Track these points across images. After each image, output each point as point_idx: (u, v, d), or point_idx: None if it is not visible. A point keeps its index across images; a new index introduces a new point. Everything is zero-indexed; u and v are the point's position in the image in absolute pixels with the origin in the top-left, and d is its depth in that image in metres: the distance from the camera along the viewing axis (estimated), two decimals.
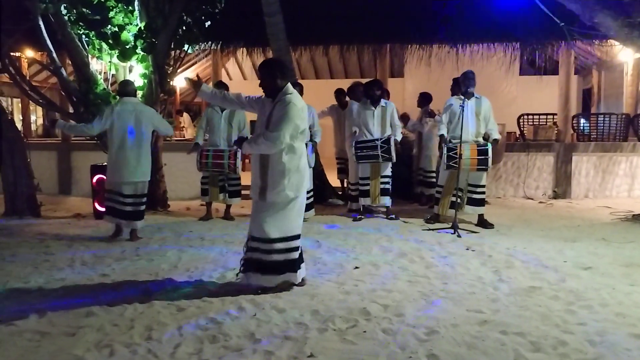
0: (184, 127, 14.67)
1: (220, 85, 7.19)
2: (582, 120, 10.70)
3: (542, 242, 5.74)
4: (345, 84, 8.76)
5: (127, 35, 7.39)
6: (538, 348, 3.04)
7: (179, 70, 8.76)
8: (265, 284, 4.01)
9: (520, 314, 3.56)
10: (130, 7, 7.39)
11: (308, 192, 7.10)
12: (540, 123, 10.08)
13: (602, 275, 4.49)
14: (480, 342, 3.11)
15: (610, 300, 3.83)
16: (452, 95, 7.20)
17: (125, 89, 5.92)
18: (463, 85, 6.52)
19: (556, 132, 9.51)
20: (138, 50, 7.45)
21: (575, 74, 11.55)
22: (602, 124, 9.87)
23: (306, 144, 6.68)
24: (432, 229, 6.43)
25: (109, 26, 7.32)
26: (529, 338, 3.16)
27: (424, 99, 8.36)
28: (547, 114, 10.24)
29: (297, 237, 4.09)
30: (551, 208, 8.24)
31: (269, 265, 3.99)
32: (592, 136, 10.07)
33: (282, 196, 3.95)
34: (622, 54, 10.42)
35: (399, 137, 7.11)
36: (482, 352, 3.00)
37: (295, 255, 4.08)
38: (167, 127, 6.28)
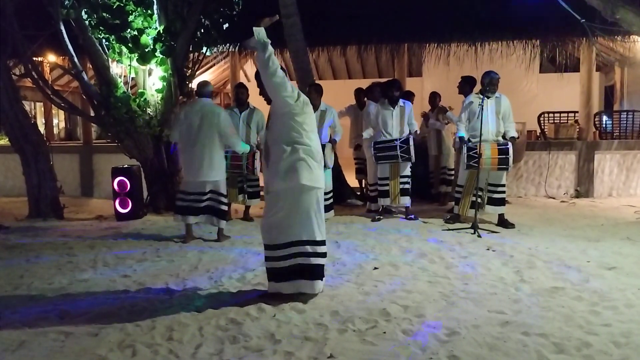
0: None
1: (241, 87, 7.26)
2: (605, 118, 10.51)
3: (565, 242, 5.66)
4: (363, 84, 8.75)
5: (147, 39, 7.48)
6: (561, 349, 3.00)
7: (197, 73, 8.82)
8: (282, 291, 3.94)
9: (542, 315, 3.52)
10: (149, 11, 7.48)
11: (327, 193, 7.12)
12: (562, 121, 9.94)
13: (627, 275, 4.41)
14: (502, 343, 3.08)
15: (636, 301, 3.76)
16: (460, 93, 7.14)
17: (200, 89, 5.94)
18: (487, 89, 6.41)
19: (578, 130, 9.37)
20: (157, 54, 7.52)
21: (596, 70, 11.38)
22: (625, 121, 9.69)
23: (324, 145, 6.79)
24: (452, 229, 6.38)
25: (129, 30, 7.40)
26: (552, 339, 3.12)
27: (435, 98, 8.38)
28: (568, 112, 10.08)
29: (299, 243, 3.86)
30: (574, 207, 8.11)
31: (280, 272, 3.90)
32: (615, 134, 9.90)
33: (275, 184, 3.81)
34: None
35: (416, 129, 7.13)
36: (503, 353, 2.96)
37: (299, 261, 3.88)
38: (229, 138, 5.83)
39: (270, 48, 3.68)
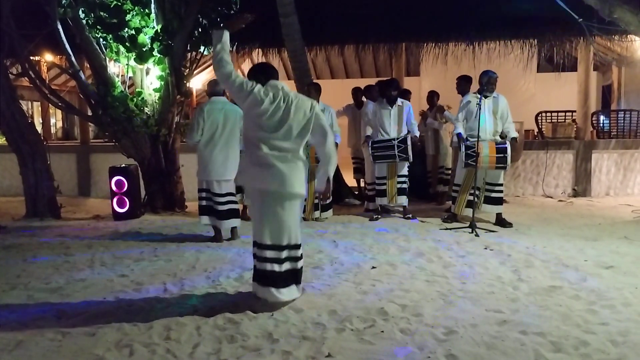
0: None
1: None
2: (602, 117, 10.53)
3: (562, 241, 5.66)
4: (361, 83, 8.75)
5: (144, 38, 7.46)
6: (559, 348, 3.00)
7: (195, 72, 8.81)
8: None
9: (540, 314, 3.52)
10: (146, 10, 7.46)
11: None
12: (559, 120, 9.95)
13: (625, 274, 4.42)
14: (499, 342, 3.08)
15: (633, 300, 3.76)
16: (460, 93, 7.15)
17: (214, 88, 5.94)
18: (485, 88, 6.42)
19: (575, 129, 9.39)
20: (155, 53, 7.51)
21: (594, 70, 11.39)
22: (622, 121, 9.71)
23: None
24: (450, 229, 6.38)
25: (126, 29, 7.39)
26: (550, 338, 3.12)
27: (433, 97, 8.39)
28: (565, 111, 10.11)
29: (262, 246, 3.76)
30: (571, 206, 8.12)
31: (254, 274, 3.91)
32: (612, 133, 9.92)
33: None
34: None
35: (417, 133, 7.15)
36: (501, 352, 2.96)
37: (264, 266, 3.76)
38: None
39: (218, 48, 3.68)
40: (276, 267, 3.74)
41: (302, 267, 3.93)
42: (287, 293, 3.79)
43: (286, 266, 3.78)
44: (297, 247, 3.84)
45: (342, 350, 3.02)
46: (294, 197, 3.78)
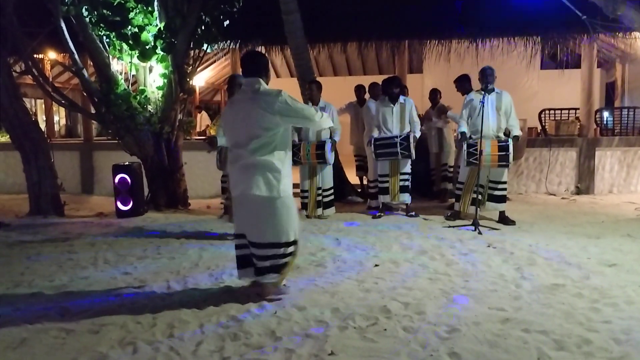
0: (208, 125, 14.66)
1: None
2: (606, 115, 10.50)
3: (565, 239, 5.65)
4: (363, 80, 8.74)
5: (147, 36, 7.47)
6: (562, 346, 3.00)
7: (198, 70, 8.81)
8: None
9: (543, 312, 3.52)
10: (149, 8, 7.47)
11: (328, 190, 7.13)
12: (563, 118, 9.93)
13: (628, 272, 4.41)
14: (502, 341, 3.08)
15: (636, 298, 3.76)
16: (463, 94, 7.13)
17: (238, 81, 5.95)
18: (482, 82, 6.44)
19: (579, 126, 9.36)
20: (158, 51, 7.52)
21: (598, 67, 11.37)
22: (626, 118, 9.67)
23: (324, 141, 6.81)
24: (453, 226, 6.38)
25: (129, 27, 7.40)
26: (552, 336, 3.12)
27: (435, 94, 8.37)
28: (569, 109, 10.08)
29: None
30: (574, 204, 8.11)
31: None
32: (615, 130, 9.89)
33: None
34: None
35: (417, 134, 7.08)
36: (504, 350, 2.97)
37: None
38: None
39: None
40: (237, 252, 3.93)
41: (285, 263, 3.81)
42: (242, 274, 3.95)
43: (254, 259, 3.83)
44: (275, 245, 3.75)
45: (345, 348, 3.03)
46: (249, 199, 3.73)
